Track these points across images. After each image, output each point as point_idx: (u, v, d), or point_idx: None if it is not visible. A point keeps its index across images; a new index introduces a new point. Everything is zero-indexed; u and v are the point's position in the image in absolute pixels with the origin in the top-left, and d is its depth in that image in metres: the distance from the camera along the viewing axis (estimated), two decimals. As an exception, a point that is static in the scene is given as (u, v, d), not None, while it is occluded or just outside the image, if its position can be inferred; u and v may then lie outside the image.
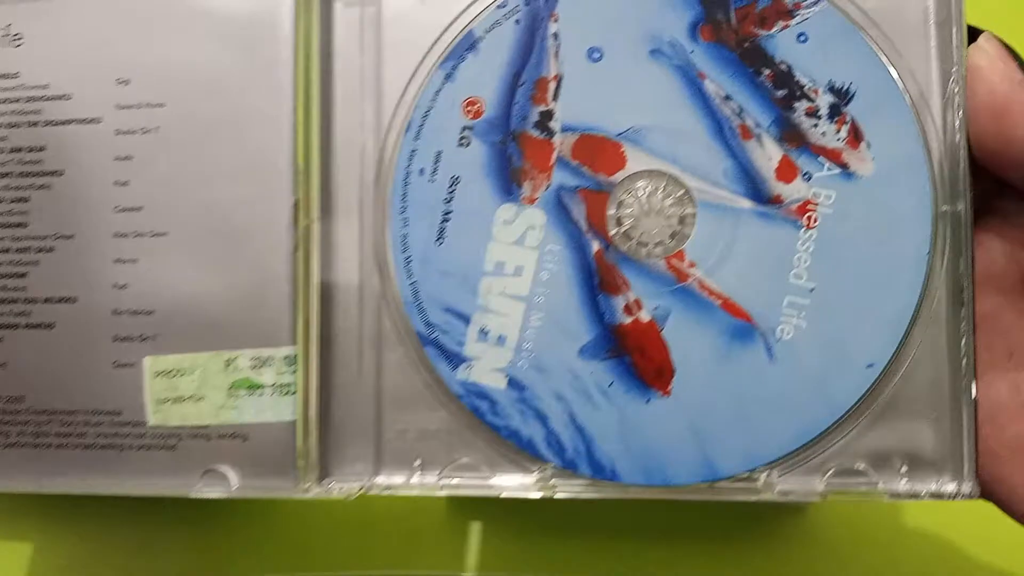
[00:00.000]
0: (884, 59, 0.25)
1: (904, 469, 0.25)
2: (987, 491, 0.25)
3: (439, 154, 0.26)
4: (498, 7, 0.26)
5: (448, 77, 0.26)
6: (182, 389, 0.27)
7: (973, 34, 0.24)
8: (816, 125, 0.25)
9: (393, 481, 0.26)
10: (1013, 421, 0.25)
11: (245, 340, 0.26)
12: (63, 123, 0.27)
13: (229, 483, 0.26)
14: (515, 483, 0.26)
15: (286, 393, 0.26)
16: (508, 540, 0.39)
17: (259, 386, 0.26)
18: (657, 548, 0.40)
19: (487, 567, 0.39)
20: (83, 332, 0.27)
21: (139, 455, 0.27)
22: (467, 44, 0.26)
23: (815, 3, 0.25)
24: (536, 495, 0.26)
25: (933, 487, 0.25)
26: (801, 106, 0.25)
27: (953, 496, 0.24)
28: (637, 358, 0.25)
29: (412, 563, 0.40)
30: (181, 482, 0.27)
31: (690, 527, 0.40)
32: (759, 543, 0.39)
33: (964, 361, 0.24)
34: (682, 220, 0.26)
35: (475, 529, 0.39)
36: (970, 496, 0.24)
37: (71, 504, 0.39)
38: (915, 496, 0.25)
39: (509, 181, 0.26)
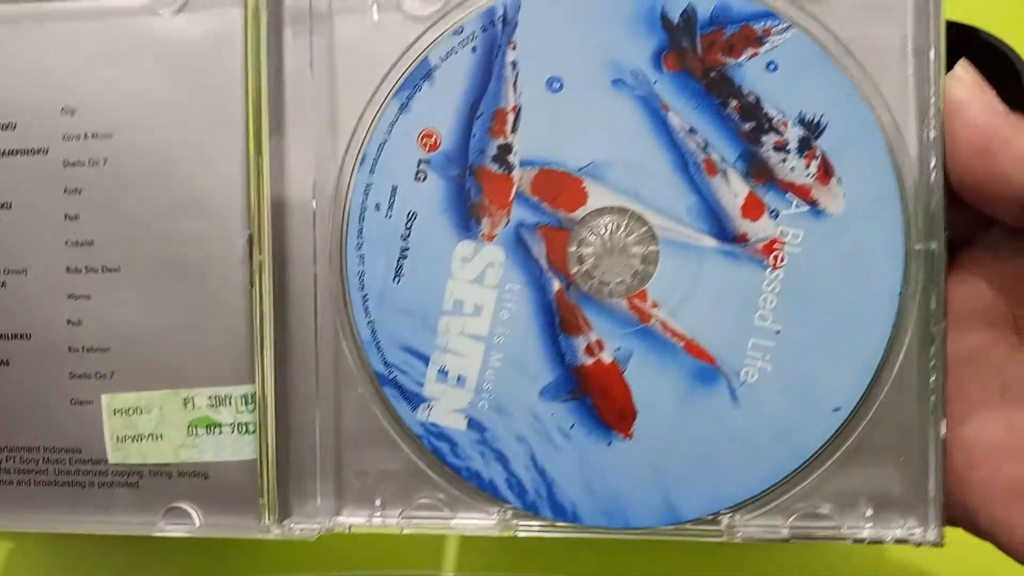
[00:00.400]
0: (858, 90, 0.24)
1: (869, 513, 0.24)
2: (987, 534, 0.24)
3: (395, 188, 0.25)
4: (454, 34, 0.25)
5: (403, 108, 0.25)
6: (141, 427, 0.26)
7: (963, 33, 0.23)
8: (785, 160, 0.24)
9: (354, 520, 0.26)
10: (1009, 461, 0.24)
11: (202, 378, 0.26)
12: (8, 153, 0.26)
13: (192, 521, 0.26)
14: (476, 524, 0.26)
15: (245, 432, 0.26)
16: (507, 539, 0.40)
17: (218, 424, 0.26)
18: (646, 543, 0.40)
19: (479, 566, 0.39)
20: (39, 369, 0.27)
21: (101, 492, 0.27)
22: (422, 73, 0.25)
23: (785, 29, 0.24)
24: (497, 534, 0.26)
25: (899, 532, 0.24)
26: (769, 140, 0.24)
27: (918, 543, 0.24)
28: (599, 400, 0.25)
29: (406, 561, 0.40)
30: (144, 520, 0.26)
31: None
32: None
33: (932, 399, 0.24)
34: (645, 259, 0.25)
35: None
36: (934, 544, 0.24)
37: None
38: (879, 541, 0.24)
39: (467, 217, 0.25)
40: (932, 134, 0.23)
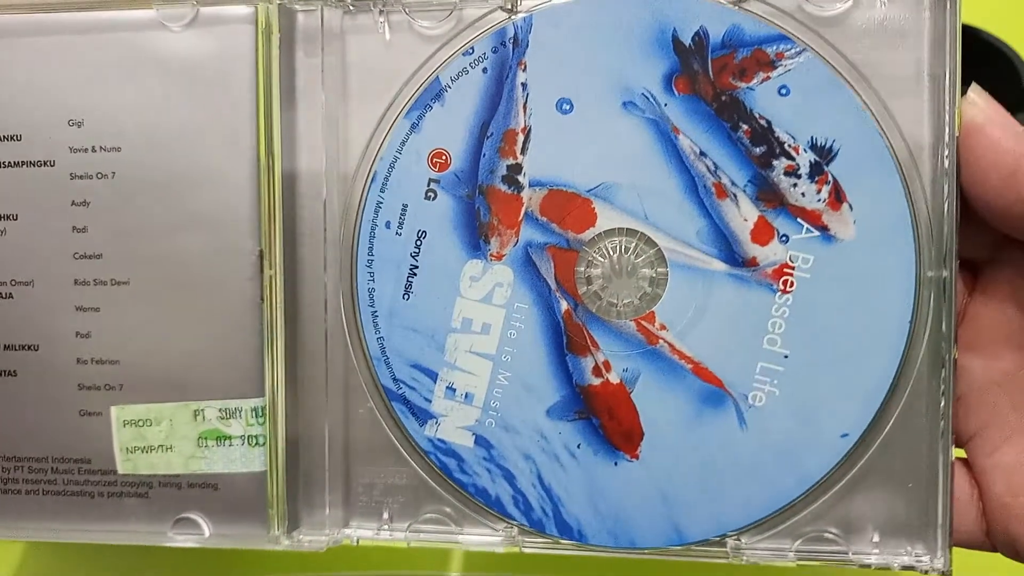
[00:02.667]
0: (871, 115, 0.24)
1: (876, 539, 0.24)
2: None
3: (405, 207, 0.25)
4: (464, 55, 0.25)
5: (414, 127, 0.25)
6: (151, 439, 0.27)
7: (966, 34, 0.23)
8: (796, 185, 0.24)
9: (362, 533, 0.26)
10: None
11: (212, 391, 0.26)
12: (15, 164, 0.27)
13: (202, 531, 0.27)
14: (482, 540, 0.26)
15: (255, 444, 0.26)
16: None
17: (228, 437, 0.26)
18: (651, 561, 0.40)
19: (480, 567, 0.40)
20: (47, 380, 0.27)
21: (111, 502, 0.27)
22: (433, 93, 0.25)
23: (798, 54, 0.24)
24: (502, 550, 0.26)
25: (906, 559, 0.24)
26: (780, 164, 0.24)
27: (925, 571, 0.24)
28: (606, 420, 0.25)
29: (405, 561, 0.40)
30: (154, 529, 0.27)
31: None
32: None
33: (942, 424, 0.24)
34: (653, 281, 0.25)
35: None
36: (942, 572, 0.24)
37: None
38: (886, 567, 0.24)
39: (476, 236, 0.25)
40: (947, 162, 0.23)
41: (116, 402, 0.27)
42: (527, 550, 0.26)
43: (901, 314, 0.24)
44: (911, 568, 0.24)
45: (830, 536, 0.25)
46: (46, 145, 0.26)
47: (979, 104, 0.23)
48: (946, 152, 0.23)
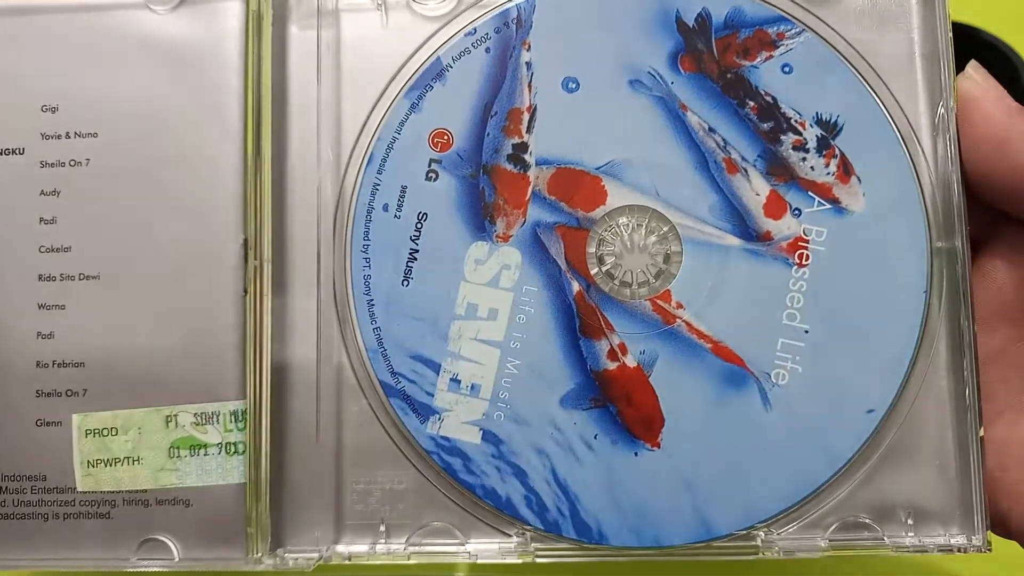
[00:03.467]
0: (870, 91, 0.24)
1: (910, 521, 0.23)
2: (1019, 535, 0.23)
3: (404, 189, 0.24)
4: (467, 35, 0.24)
5: (414, 107, 0.24)
6: (116, 450, 0.24)
7: (964, 33, 0.23)
8: (804, 159, 0.24)
9: (355, 549, 0.24)
10: None
11: (187, 394, 0.24)
12: None
13: (172, 554, 0.23)
14: (492, 549, 0.23)
15: (234, 452, 0.23)
16: None
17: (203, 445, 0.23)
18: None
19: (484, 567, 0.36)
20: (2, 386, 0.24)
21: (67, 525, 0.24)
22: (434, 72, 0.24)
23: (798, 33, 0.24)
24: (515, 561, 0.23)
25: (941, 540, 0.23)
26: (788, 139, 0.24)
27: (963, 549, 0.23)
28: (623, 407, 0.23)
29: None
30: (116, 555, 0.23)
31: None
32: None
33: (968, 395, 0.23)
34: (667, 258, 0.24)
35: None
36: (980, 550, 0.23)
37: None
38: (923, 550, 0.23)
39: (481, 217, 0.24)
40: (947, 134, 0.24)
41: (79, 409, 0.24)
42: (542, 559, 0.23)
43: (916, 284, 0.24)
44: (948, 550, 0.23)
45: (863, 521, 0.23)
46: (15, 131, 0.24)
47: (975, 78, 0.24)
48: (946, 124, 0.24)
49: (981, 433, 0.23)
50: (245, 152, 0.24)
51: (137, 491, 0.24)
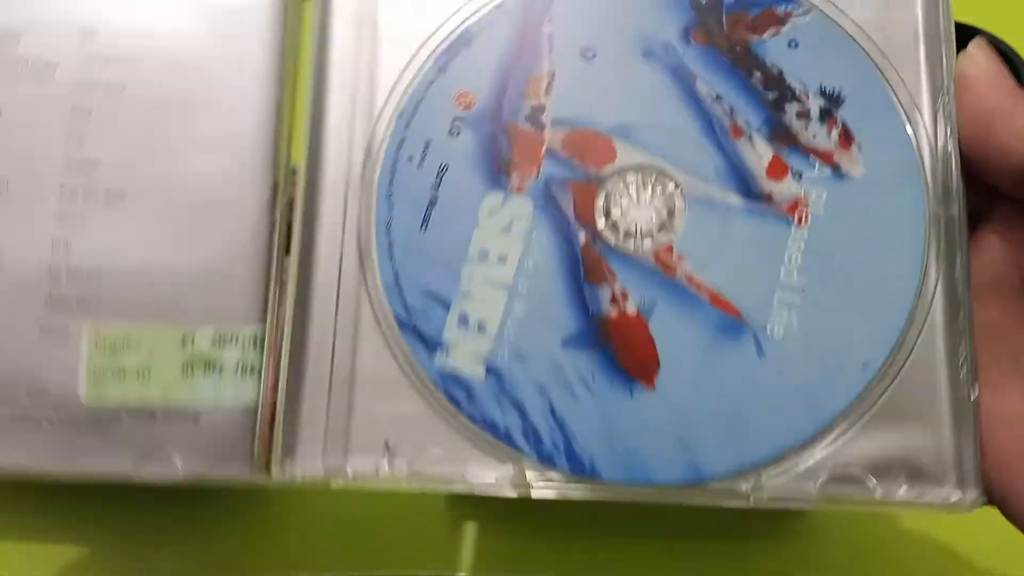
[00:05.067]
0: (874, 67, 0.25)
1: (903, 476, 0.23)
2: (999, 503, 0.23)
3: (428, 142, 0.26)
4: (495, 7, 0.27)
5: (441, 70, 0.26)
6: (127, 363, 0.25)
7: (965, 33, 0.25)
8: (807, 127, 0.25)
9: (360, 470, 0.25)
10: None
11: (206, 315, 0.25)
12: (11, 62, 0.26)
13: (175, 468, 0.24)
14: (489, 477, 0.24)
15: (249, 374, 0.25)
16: (505, 540, 0.37)
17: (219, 365, 0.25)
18: (653, 548, 0.37)
19: (485, 567, 0.37)
20: (7, 288, 0.25)
21: (65, 435, 0.24)
22: (462, 40, 0.26)
23: (806, 13, 0.26)
24: (511, 493, 0.24)
25: (934, 496, 0.23)
26: (792, 108, 0.25)
27: (956, 506, 0.23)
28: (622, 350, 0.24)
29: (410, 563, 0.38)
30: (117, 465, 0.24)
31: (687, 527, 0.38)
32: (756, 542, 0.37)
33: (962, 352, 0.24)
34: (671, 214, 0.25)
35: (473, 529, 0.37)
36: (973, 506, 0.23)
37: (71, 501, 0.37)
38: (915, 506, 0.23)
39: (497, 171, 0.26)
40: (945, 110, 0.25)
41: (90, 321, 0.25)
42: (536, 494, 0.24)
43: (913, 248, 0.24)
44: (940, 506, 0.23)
45: (855, 473, 0.24)
46: (52, 48, 0.26)
47: (974, 57, 0.25)
48: (945, 100, 0.25)
49: (975, 395, 0.23)
50: (282, 96, 0.26)
51: (144, 407, 0.25)
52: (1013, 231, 0.25)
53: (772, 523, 0.35)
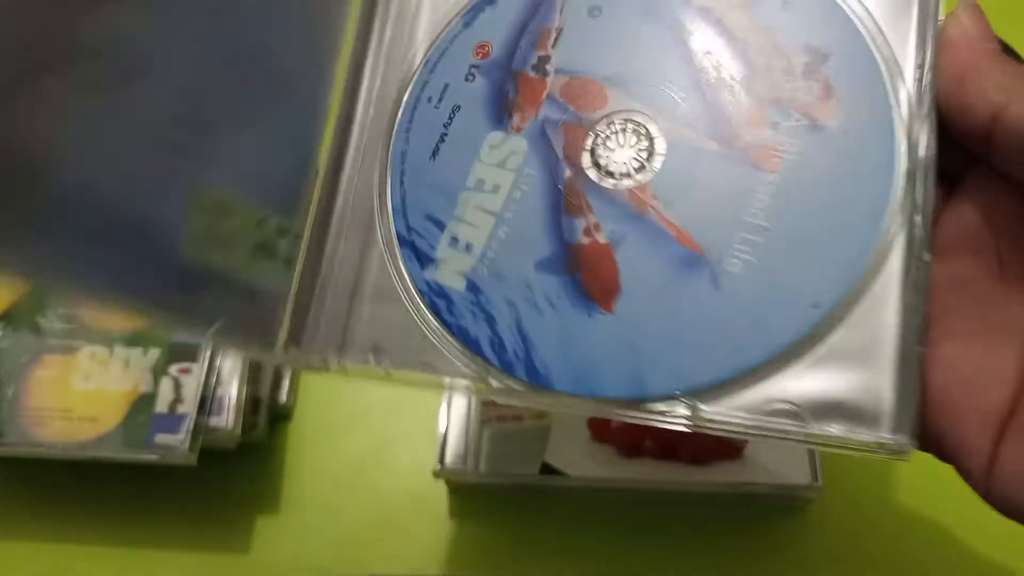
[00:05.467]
0: (861, 28, 0.26)
1: (839, 416, 0.24)
2: (952, 458, 0.24)
3: (446, 86, 0.29)
4: (517, -27, 0.30)
5: (467, 25, 0.30)
6: (219, 232, 0.27)
7: None
8: (789, 80, 0.26)
9: (353, 362, 0.28)
10: (985, 389, 0.23)
11: (274, 204, 0.29)
12: None
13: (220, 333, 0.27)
14: (457, 379, 0.27)
15: (287, 266, 0.29)
16: (505, 540, 0.39)
17: (275, 253, 0.28)
18: (654, 545, 0.38)
19: (485, 567, 0.39)
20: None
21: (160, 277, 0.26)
22: (487, 1, 0.30)
23: (802, -24, 0.27)
24: (476, 395, 0.27)
25: (867, 436, 0.23)
26: (777, 64, 0.26)
27: (887, 447, 0.23)
28: (588, 276, 0.26)
29: (410, 563, 0.40)
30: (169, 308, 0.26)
31: (688, 524, 0.38)
32: (757, 540, 0.37)
33: (915, 302, 0.24)
34: (651, 156, 0.27)
35: (473, 529, 0.39)
36: (903, 450, 0.23)
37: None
38: (844, 444, 0.24)
39: (502, 112, 0.28)
40: (926, 66, 0.25)
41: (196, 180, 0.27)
42: (496, 384, 0.26)
43: (879, 198, 0.25)
44: (869, 447, 0.23)
45: (793, 409, 0.24)
46: None
47: (959, 18, 0.25)
48: (927, 56, 0.25)
49: (924, 346, 0.23)
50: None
51: (222, 272, 0.27)
52: (988, 190, 0.25)
53: (772, 522, 0.35)
